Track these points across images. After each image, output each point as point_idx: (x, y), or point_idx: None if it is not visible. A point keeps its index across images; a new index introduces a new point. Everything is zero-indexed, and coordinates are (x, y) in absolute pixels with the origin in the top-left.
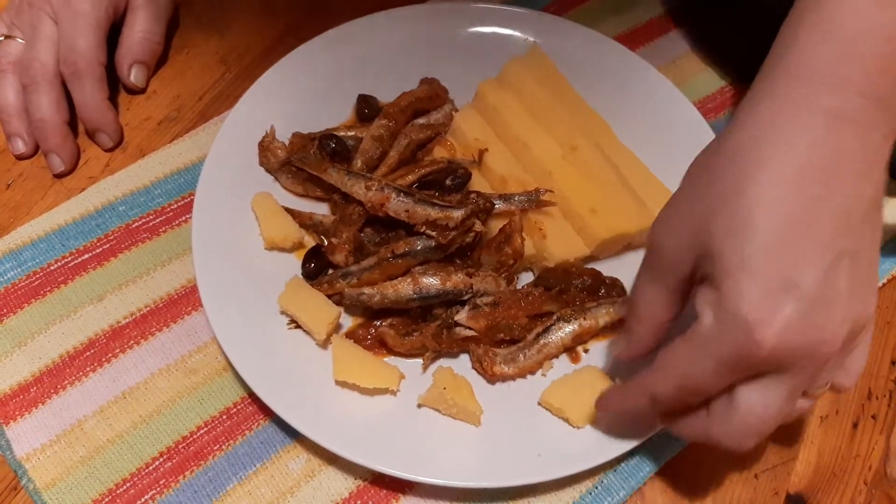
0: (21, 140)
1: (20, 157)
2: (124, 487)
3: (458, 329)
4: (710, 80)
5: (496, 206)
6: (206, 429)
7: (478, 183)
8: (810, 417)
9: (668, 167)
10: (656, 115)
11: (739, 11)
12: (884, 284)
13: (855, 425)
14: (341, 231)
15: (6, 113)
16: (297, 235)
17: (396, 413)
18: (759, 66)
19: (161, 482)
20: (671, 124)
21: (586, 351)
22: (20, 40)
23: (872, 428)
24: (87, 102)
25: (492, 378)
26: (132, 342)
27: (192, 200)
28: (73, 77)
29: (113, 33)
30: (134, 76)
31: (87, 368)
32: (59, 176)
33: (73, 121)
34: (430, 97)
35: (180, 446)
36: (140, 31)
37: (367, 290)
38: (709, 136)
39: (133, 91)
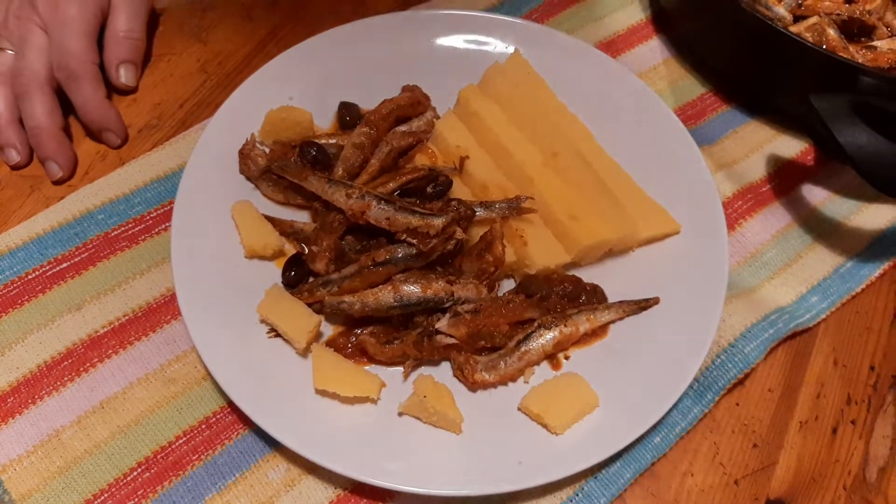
0: (14, 150)
1: (15, 168)
2: (102, 498)
3: (439, 337)
4: (691, 87)
5: (477, 213)
6: (184, 438)
7: (459, 190)
8: (791, 422)
9: (648, 173)
10: (636, 122)
11: (719, 20)
12: (863, 290)
13: (834, 430)
14: (322, 239)
15: None
16: (277, 243)
17: (377, 421)
18: (738, 74)
19: (139, 493)
20: (651, 131)
21: (567, 358)
22: (10, 52)
23: (852, 433)
24: (88, 102)
25: (473, 386)
26: (111, 351)
27: (171, 209)
28: (70, 80)
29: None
30: (124, 76)
31: (65, 378)
32: (57, 182)
33: (67, 128)
34: (412, 104)
35: (159, 456)
36: (122, 30)
37: (347, 298)
38: (688, 142)
39: (124, 92)
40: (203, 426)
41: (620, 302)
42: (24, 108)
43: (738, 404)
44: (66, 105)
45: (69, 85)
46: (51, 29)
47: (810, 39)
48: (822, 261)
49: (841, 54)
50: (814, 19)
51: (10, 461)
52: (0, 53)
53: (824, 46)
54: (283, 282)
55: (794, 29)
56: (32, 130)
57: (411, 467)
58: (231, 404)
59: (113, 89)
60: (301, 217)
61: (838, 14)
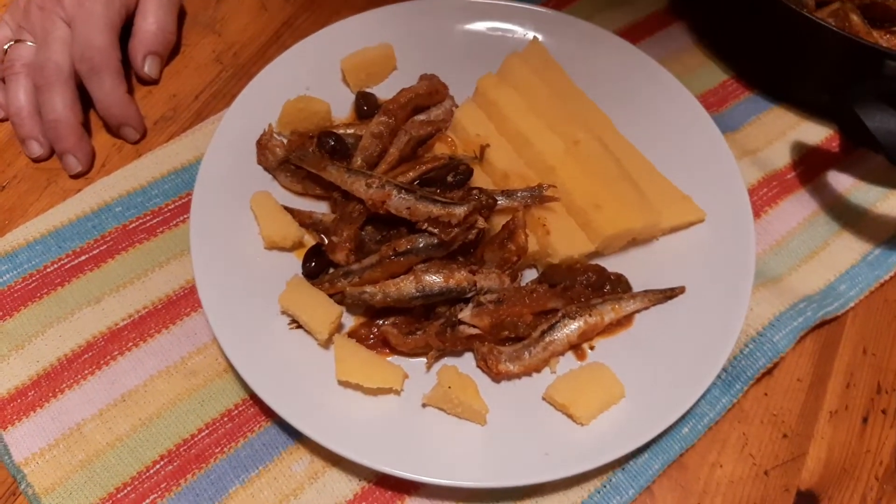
0: (36, 143)
1: (36, 160)
2: (125, 492)
3: (462, 327)
4: (712, 74)
5: (499, 202)
6: (207, 431)
7: (479, 179)
8: (820, 412)
9: (671, 161)
10: (658, 109)
11: (741, 5)
12: (891, 277)
13: (865, 420)
14: (342, 229)
15: (18, 116)
16: (296, 234)
17: (401, 413)
18: (762, 59)
19: (162, 486)
20: (673, 117)
21: (592, 348)
22: (30, 43)
23: (882, 422)
24: (109, 97)
25: (497, 376)
26: (131, 344)
27: (189, 200)
28: (92, 73)
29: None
30: (148, 67)
31: (86, 371)
32: (75, 177)
33: (85, 122)
34: (430, 93)
35: (181, 449)
36: (153, 22)
37: (368, 288)
38: (712, 129)
39: (146, 82)
40: (225, 419)
41: (646, 291)
42: (45, 100)
43: (766, 394)
44: (83, 99)
45: (91, 78)
46: (75, 22)
47: (834, 24)
48: (849, 248)
49: (865, 39)
50: (836, 4)
51: (32, 455)
52: (20, 45)
53: (848, 31)
54: (303, 273)
55: (817, 14)
56: (51, 123)
57: (436, 459)
58: (253, 396)
59: (137, 80)
60: (320, 207)
61: None
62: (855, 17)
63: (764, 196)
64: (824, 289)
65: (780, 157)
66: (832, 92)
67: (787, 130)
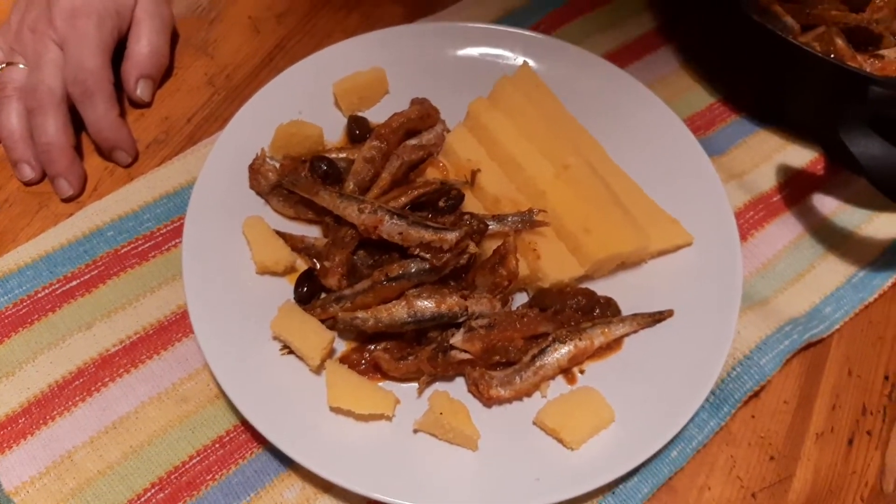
0: (28, 166)
1: (28, 184)
2: None
3: (453, 352)
4: (700, 97)
5: (490, 227)
6: (198, 458)
7: (471, 204)
8: (807, 434)
9: (659, 185)
10: (645, 133)
11: (729, 28)
12: (876, 299)
13: (850, 442)
14: (334, 254)
15: (10, 139)
16: (289, 259)
17: (392, 439)
18: (748, 83)
19: None
20: (661, 141)
21: (582, 372)
22: (22, 66)
23: (867, 444)
24: (101, 120)
25: (488, 401)
26: (122, 370)
27: (181, 225)
28: (84, 96)
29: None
30: (140, 90)
31: (77, 398)
32: (67, 200)
33: (76, 145)
34: (422, 117)
35: (172, 476)
36: (146, 44)
37: (360, 313)
38: (699, 153)
39: (138, 105)
40: (217, 445)
41: (634, 315)
42: (37, 123)
43: (753, 416)
44: (75, 121)
45: (83, 101)
46: (67, 44)
47: (819, 49)
48: (834, 271)
49: (850, 63)
50: (822, 28)
51: (22, 483)
52: (12, 68)
53: (833, 55)
54: (295, 298)
55: (802, 39)
56: (44, 147)
57: (427, 485)
58: (245, 423)
59: (129, 103)
60: (312, 232)
61: (846, 23)
62: (840, 42)
63: (750, 219)
64: (810, 311)
65: (766, 180)
66: (817, 116)
67: (773, 154)
